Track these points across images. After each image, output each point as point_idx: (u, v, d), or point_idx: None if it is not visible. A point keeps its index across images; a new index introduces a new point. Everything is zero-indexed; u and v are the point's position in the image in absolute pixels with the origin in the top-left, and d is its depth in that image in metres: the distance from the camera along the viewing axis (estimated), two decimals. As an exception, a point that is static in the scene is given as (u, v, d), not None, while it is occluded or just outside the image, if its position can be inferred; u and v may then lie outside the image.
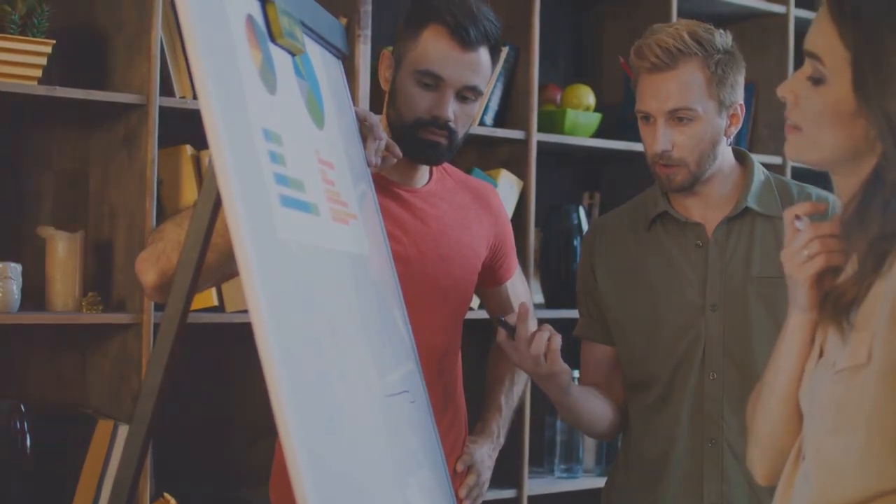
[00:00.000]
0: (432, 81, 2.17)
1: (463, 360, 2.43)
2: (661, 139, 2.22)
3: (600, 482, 3.35)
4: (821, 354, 1.61)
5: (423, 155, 2.24)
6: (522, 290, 2.55)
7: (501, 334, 2.12)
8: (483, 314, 2.87)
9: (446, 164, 2.38)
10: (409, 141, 2.20)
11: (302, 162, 1.63)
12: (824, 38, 1.55)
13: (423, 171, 2.32)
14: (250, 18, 1.55)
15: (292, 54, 1.71)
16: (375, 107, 3.03)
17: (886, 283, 1.50)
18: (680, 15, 3.53)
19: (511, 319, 2.11)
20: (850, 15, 1.53)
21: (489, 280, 2.46)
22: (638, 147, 3.41)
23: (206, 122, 1.32)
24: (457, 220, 2.34)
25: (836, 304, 1.55)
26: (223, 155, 1.32)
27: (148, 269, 1.92)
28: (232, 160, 1.33)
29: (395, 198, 2.26)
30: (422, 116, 2.19)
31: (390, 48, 2.30)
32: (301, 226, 1.54)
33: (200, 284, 1.97)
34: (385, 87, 2.27)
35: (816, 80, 1.55)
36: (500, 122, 3.36)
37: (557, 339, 2.11)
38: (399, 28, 2.26)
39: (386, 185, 2.24)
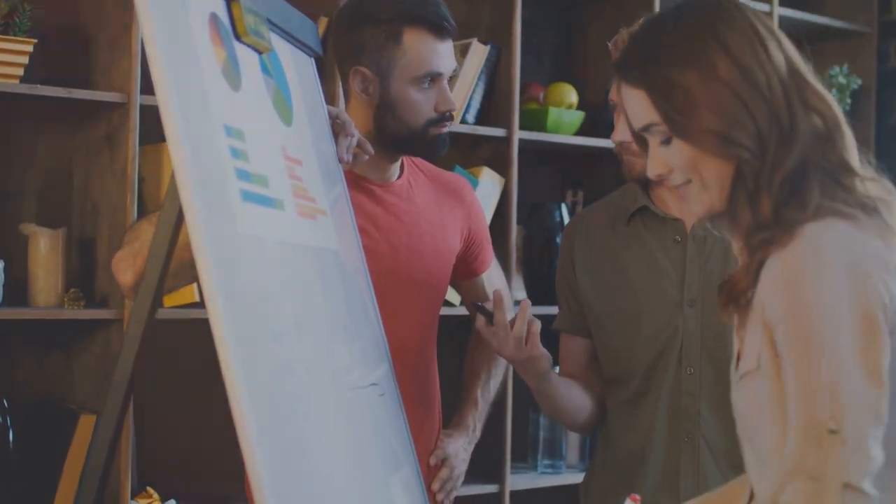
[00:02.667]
0: (431, 80, 2.23)
1: (439, 356, 2.45)
2: (620, 129, 2.25)
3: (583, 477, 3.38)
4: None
5: (437, 150, 2.30)
6: (499, 281, 2.57)
7: (480, 321, 2.14)
8: (459, 310, 2.89)
9: (417, 159, 2.40)
10: (420, 142, 2.25)
11: (266, 158, 1.64)
12: (638, 105, 1.59)
13: (395, 165, 2.34)
14: (214, 17, 1.57)
15: (259, 52, 1.73)
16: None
17: (760, 288, 1.52)
18: (662, 13, 3.55)
19: (488, 306, 2.13)
20: (637, 71, 1.58)
21: (465, 272, 2.48)
22: (620, 145, 3.44)
23: (164, 119, 1.34)
24: (429, 213, 2.36)
25: (731, 293, 1.58)
26: (180, 150, 1.34)
27: (125, 269, 1.95)
28: (189, 155, 1.35)
29: (368, 193, 2.28)
30: (431, 116, 2.24)
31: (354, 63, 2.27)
32: (264, 220, 1.56)
33: (178, 282, 1.99)
34: (369, 103, 2.26)
35: (667, 140, 1.58)
36: (482, 120, 3.37)
37: (537, 324, 2.14)
38: (359, 43, 2.23)
39: (357, 180, 2.26)
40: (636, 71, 1.59)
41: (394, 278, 2.26)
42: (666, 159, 1.60)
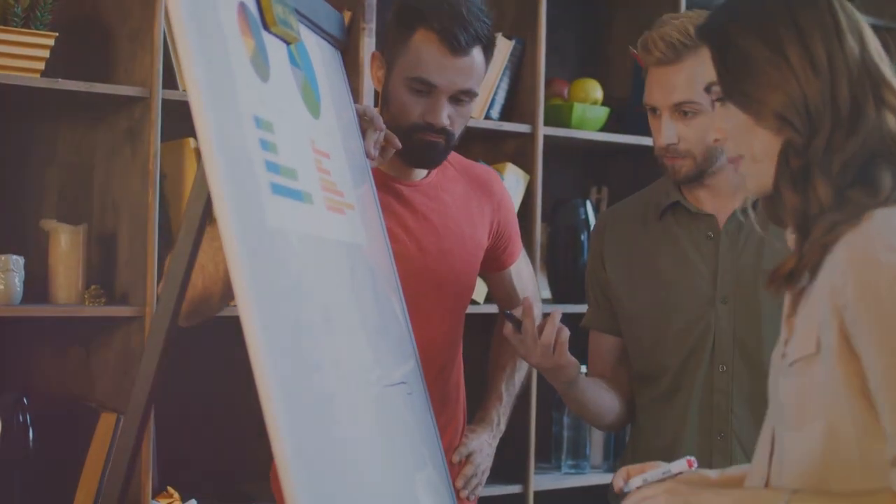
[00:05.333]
0: (425, 88, 2.15)
1: (463, 354, 2.43)
2: (665, 132, 2.22)
3: (608, 478, 3.33)
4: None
5: (421, 158, 2.23)
6: (527, 274, 2.55)
7: (508, 328, 2.12)
8: (484, 308, 2.86)
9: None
10: (404, 145, 2.17)
11: (295, 150, 1.62)
12: (706, 63, 1.64)
13: None
14: (243, 6, 1.54)
15: (287, 43, 1.70)
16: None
17: (825, 273, 1.50)
18: (688, 8, 3.50)
19: (517, 313, 2.10)
20: (710, 29, 1.63)
21: (493, 265, 2.46)
22: (646, 141, 3.39)
23: (194, 109, 1.31)
24: (458, 210, 2.33)
25: (780, 277, 1.57)
26: (210, 141, 1.31)
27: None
28: (219, 146, 1.32)
29: (395, 194, 2.25)
30: (416, 122, 2.17)
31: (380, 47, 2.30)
32: (293, 214, 1.53)
33: (226, 303, 1.97)
34: (377, 87, 2.26)
35: (722, 100, 1.61)
36: (506, 115, 3.34)
37: (565, 332, 2.11)
38: (388, 27, 2.24)
39: (385, 180, 2.23)
40: (709, 28, 1.63)
41: (422, 279, 2.24)
42: (723, 123, 1.61)
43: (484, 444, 2.40)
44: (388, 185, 2.23)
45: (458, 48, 2.14)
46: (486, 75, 3.26)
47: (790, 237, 1.62)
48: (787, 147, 1.54)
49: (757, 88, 1.55)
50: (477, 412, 2.47)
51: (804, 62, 1.54)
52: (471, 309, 2.46)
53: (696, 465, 1.72)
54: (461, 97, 2.18)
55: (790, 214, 1.56)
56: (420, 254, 2.25)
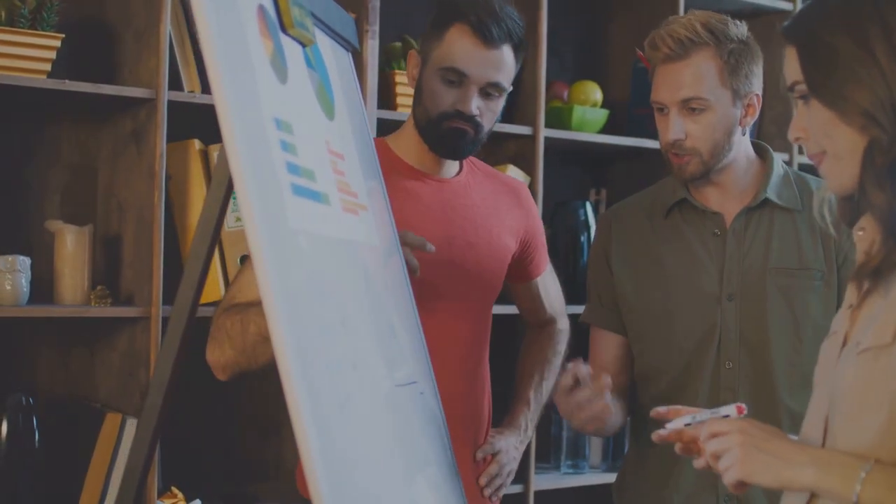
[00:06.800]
0: (456, 78, 2.22)
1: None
2: (673, 128, 2.23)
3: (606, 478, 3.35)
4: (844, 343, 1.61)
5: (449, 144, 2.27)
6: (554, 291, 2.59)
7: (567, 379, 2.06)
8: (510, 309, 2.87)
9: (475, 159, 2.41)
10: (434, 133, 2.25)
11: (313, 152, 1.63)
12: (788, 62, 1.62)
13: (451, 162, 2.35)
14: (262, 8, 1.56)
15: (303, 45, 1.71)
16: (381, 101, 3.03)
17: None
18: (686, 12, 3.52)
19: (581, 373, 2.05)
20: (795, 27, 1.63)
21: (519, 275, 2.48)
22: (645, 143, 3.42)
23: (219, 111, 1.32)
24: (487, 209, 2.37)
25: (861, 269, 1.57)
26: (235, 143, 1.32)
27: (220, 371, 2.10)
28: (244, 148, 1.33)
29: (425, 187, 2.30)
30: (446, 110, 2.23)
31: (418, 46, 2.36)
32: (312, 215, 1.55)
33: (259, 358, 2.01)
34: (412, 85, 2.32)
35: (805, 98, 1.60)
36: (507, 117, 3.34)
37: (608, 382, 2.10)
38: (427, 28, 2.30)
39: (416, 175, 2.28)
40: (794, 27, 1.62)
41: (448, 269, 2.27)
42: (805, 122, 1.60)
43: (510, 447, 2.41)
44: (418, 179, 2.29)
45: (490, 40, 2.21)
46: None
47: (857, 234, 1.62)
48: (872, 145, 1.53)
49: (844, 85, 1.54)
50: (504, 417, 2.49)
51: (892, 61, 1.52)
52: (494, 309, 2.47)
53: (745, 411, 1.68)
54: (490, 90, 2.24)
55: (876, 212, 1.55)
56: (446, 242, 2.28)
